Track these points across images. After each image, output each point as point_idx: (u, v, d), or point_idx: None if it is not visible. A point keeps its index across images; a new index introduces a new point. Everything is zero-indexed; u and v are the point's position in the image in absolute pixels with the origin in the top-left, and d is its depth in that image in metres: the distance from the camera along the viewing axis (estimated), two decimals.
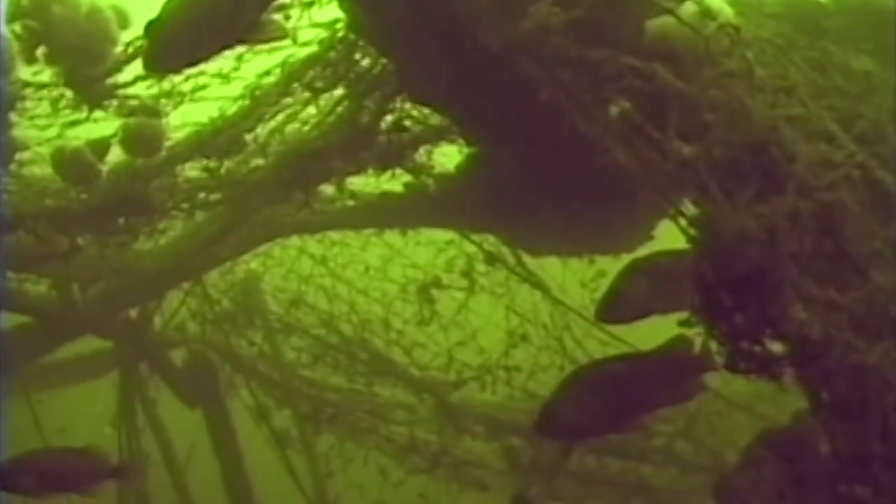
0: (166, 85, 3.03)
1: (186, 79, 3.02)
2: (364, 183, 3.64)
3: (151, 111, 3.02)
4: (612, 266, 3.83)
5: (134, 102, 3.02)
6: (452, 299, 4.18)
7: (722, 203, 1.48)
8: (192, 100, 3.09)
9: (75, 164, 2.99)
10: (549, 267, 4.13)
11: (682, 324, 1.65)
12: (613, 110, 1.79)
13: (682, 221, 1.56)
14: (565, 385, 2.27)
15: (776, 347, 1.63)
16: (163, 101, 3.06)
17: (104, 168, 3.11)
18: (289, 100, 3.09)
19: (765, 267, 1.44)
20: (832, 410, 1.46)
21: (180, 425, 4.57)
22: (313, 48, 2.96)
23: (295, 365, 4.42)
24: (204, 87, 3.05)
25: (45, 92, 2.89)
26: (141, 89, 3.03)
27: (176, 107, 3.09)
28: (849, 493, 1.42)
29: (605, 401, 2.19)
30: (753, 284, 1.46)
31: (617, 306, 2.45)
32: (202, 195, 3.31)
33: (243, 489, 4.42)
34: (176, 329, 4.44)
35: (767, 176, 1.61)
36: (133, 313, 4.34)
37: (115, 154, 3.12)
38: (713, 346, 1.60)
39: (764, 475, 1.70)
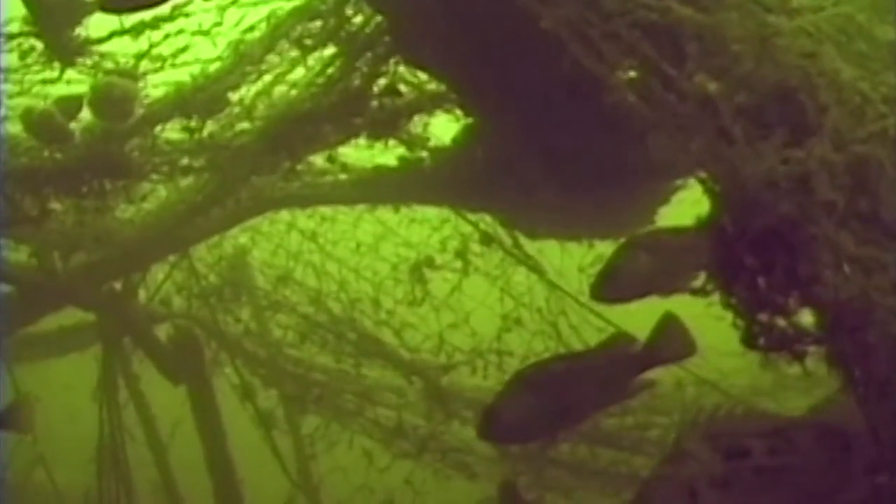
0: (144, 44, 2.80)
1: (165, 37, 2.79)
2: (357, 156, 3.43)
3: (127, 74, 2.79)
4: (611, 251, 3.63)
5: (109, 63, 2.79)
6: (445, 280, 3.97)
7: (746, 148, 1.24)
8: (173, 65, 2.86)
9: (45, 126, 2.76)
10: (547, 250, 3.94)
11: (694, 293, 1.41)
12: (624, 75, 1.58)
13: (702, 173, 1.32)
14: (507, 387, 2.16)
15: (797, 323, 1.39)
16: (143, 64, 2.83)
17: (78, 126, 2.87)
18: (275, 58, 2.86)
19: (795, 220, 1.21)
20: (870, 390, 1.23)
21: (164, 402, 4.38)
22: (301, 0, 2.72)
23: (281, 343, 4.21)
24: (185, 48, 2.82)
25: (14, 43, 2.65)
26: (117, 47, 2.80)
27: (156, 71, 2.87)
28: (890, 483, 1.20)
29: (547, 401, 2.10)
30: (781, 240, 1.23)
31: (614, 283, 2.24)
32: (184, 160, 3.08)
33: (226, 469, 4.23)
34: (161, 303, 4.23)
35: (795, 126, 1.38)
36: (117, 285, 4.13)
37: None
38: (729, 317, 1.37)
39: (682, 471, 1.51)
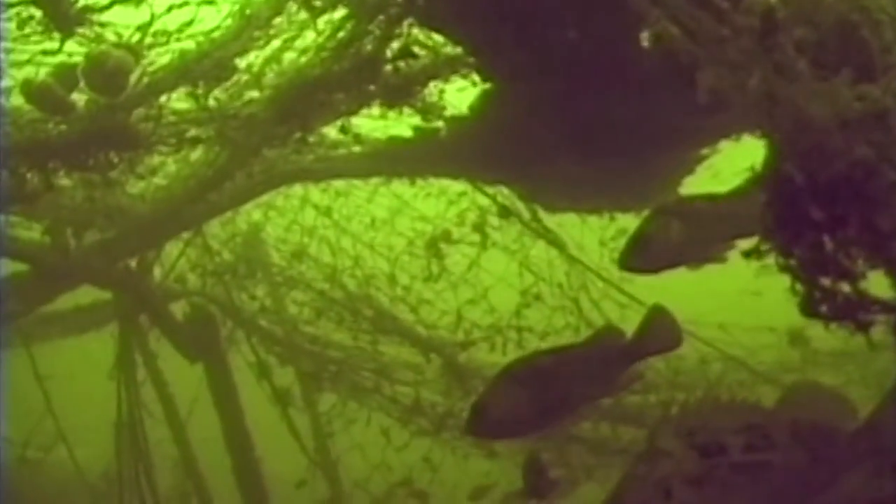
0: (146, 13, 2.63)
1: (169, 10, 2.61)
2: (370, 127, 3.26)
3: (128, 48, 2.62)
4: (633, 224, 3.45)
5: (111, 35, 2.63)
6: (463, 255, 3.82)
7: (812, 85, 1.05)
8: (178, 39, 2.70)
9: (45, 97, 2.61)
10: (567, 223, 3.78)
11: (747, 254, 1.23)
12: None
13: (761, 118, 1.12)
14: (495, 382, 2.11)
15: (863, 289, 1.20)
16: (148, 39, 2.66)
17: (82, 97, 2.72)
18: (283, 22, 2.68)
19: (871, 165, 1.01)
20: None
21: (182, 380, 4.28)
22: None
23: (297, 320, 4.08)
24: (191, 22, 2.65)
25: (12, 12, 2.50)
26: (120, 17, 2.63)
27: (161, 45, 2.70)
28: None
29: (536, 396, 2.05)
30: (855, 190, 1.03)
31: (645, 252, 2.08)
32: (192, 131, 2.92)
33: (244, 446, 4.13)
34: (176, 281, 4.11)
35: (858, 66, 1.18)
36: (132, 263, 4.01)
37: None
38: (787, 281, 1.18)
39: (656, 470, 1.45)
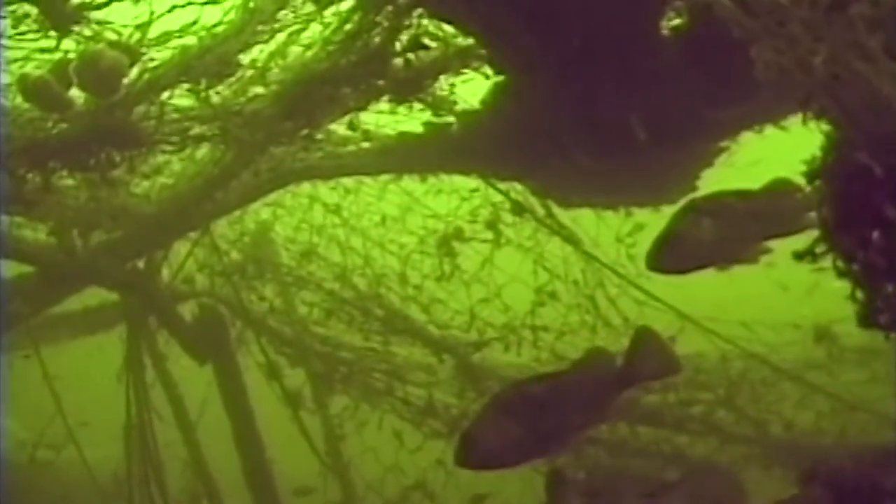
0: (144, 9, 2.50)
1: (171, 9, 2.49)
2: (380, 123, 3.13)
3: (125, 47, 2.50)
4: (650, 220, 3.33)
5: (110, 34, 2.50)
6: (476, 253, 3.69)
7: (888, 64, 0.90)
8: (179, 37, 2.57)
9: (43, 94, 2.50)
10: (582, 219, 3.65)
11: (799, 256, 1.08)
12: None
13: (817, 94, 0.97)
14: (484, 411, 1.99)
15: None
16: (147, 39, 2.54)
17: (81, 94, 2.60)
18: (289, 15, 2.55)
19: None
20: None
21: (191, 381, 4.19)
22: None
23: (307, 321, 3.96)
24: (193, 23, 2.53)
25: (8, 10, 2.38)
26: (118, 16, 2.52)
27: (162, 44, 2.58)
28: None
29: (526, 425, 1.95)
30: None
31: (676, 252, 1.93)
32: (195, 128, 2.80)
33: (256, 449, 4.04)
34: (184, 281, 4.01)
35: None
36: (140, 264, 3.91)
37: None
38: (846, 286, 1.04)
39: None
